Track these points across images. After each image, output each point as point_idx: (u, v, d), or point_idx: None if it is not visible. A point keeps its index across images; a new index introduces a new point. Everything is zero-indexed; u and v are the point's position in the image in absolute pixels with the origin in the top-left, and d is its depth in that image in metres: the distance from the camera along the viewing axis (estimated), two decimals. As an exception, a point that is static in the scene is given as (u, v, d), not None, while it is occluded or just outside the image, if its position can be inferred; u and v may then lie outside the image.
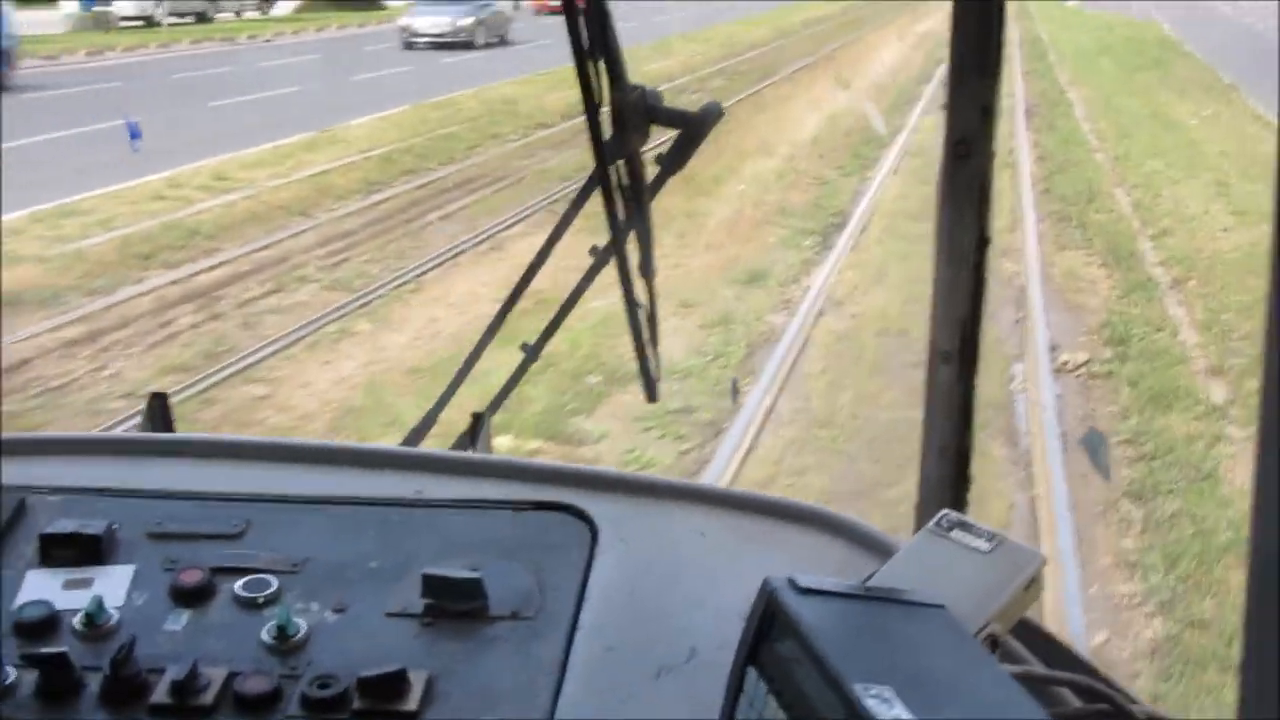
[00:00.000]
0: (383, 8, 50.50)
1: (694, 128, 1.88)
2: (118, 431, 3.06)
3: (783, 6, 51.24)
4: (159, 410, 2.02)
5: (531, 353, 2.15)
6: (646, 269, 2.01)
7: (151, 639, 1.29)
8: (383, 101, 21.92)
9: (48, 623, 1.30)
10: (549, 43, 31.23)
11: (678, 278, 10.41)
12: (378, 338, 9.36)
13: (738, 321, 9.63)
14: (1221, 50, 32.15)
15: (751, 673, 1.08)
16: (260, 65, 29.58)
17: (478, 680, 1.26)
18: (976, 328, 1.64)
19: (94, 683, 1.22)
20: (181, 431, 1.95)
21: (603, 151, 1.82)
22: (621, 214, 1.89)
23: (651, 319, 2.03)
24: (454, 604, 1.34)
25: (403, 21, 35.72)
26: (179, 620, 1.33)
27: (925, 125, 20.34)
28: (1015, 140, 18.37)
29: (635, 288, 2.02)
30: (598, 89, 1.74)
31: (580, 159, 17.17)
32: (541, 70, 25.33)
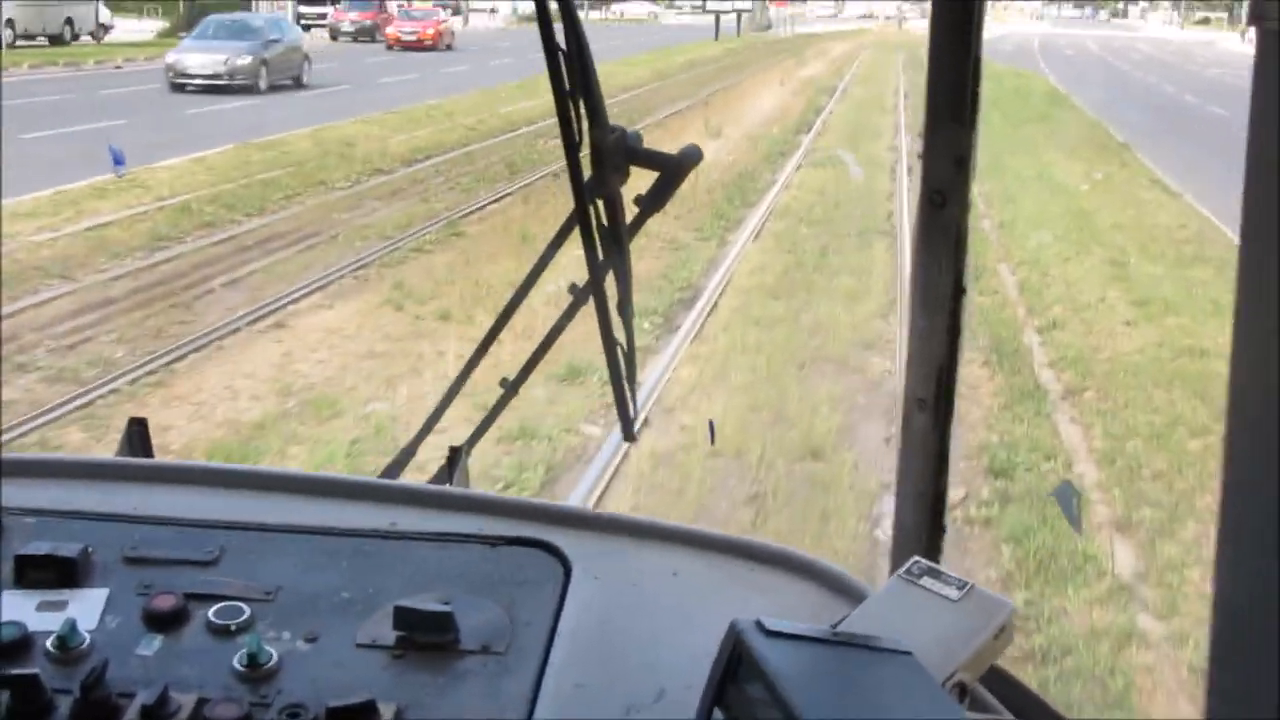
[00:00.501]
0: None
1: (673, 170, 1.85)
2: (96, 455, 2.92)
3: (667, 47, 49.86)
4: (137, 436, 1.90)
5: (510, 388, 2.03)
6: (625, 308, 1.90)
7: (124, 663, 1.31)
8: (215, 138, 19.86)
9: (20, 644, 1.32)
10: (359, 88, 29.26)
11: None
12: (89, 452, 7.37)
13: (541, 436, 7.81)
14: (1111, 105, 31.19)
15: (718, 714, 1.13)
16: (100, 94, 27.28)
17: (447, 713, 1.28)
18: (953, 375, 1.62)
19: (65, 705, 1.23)
20: (160, 458, 1.92)
21: (582, 191, 1.76)
22: (600, 253, 1.82)
23: (629, 357, 1.92)
24: (425, 637, 1.35)
25: (169, 58, 29.85)
26: (151, 645, 1.35)
27: (798, 181, 18.75)
28: (893, 202, 16.82)
29: (613, 326, 1.92)
30: (577, 129, 1.70)
31: (416, 211, 15.48)
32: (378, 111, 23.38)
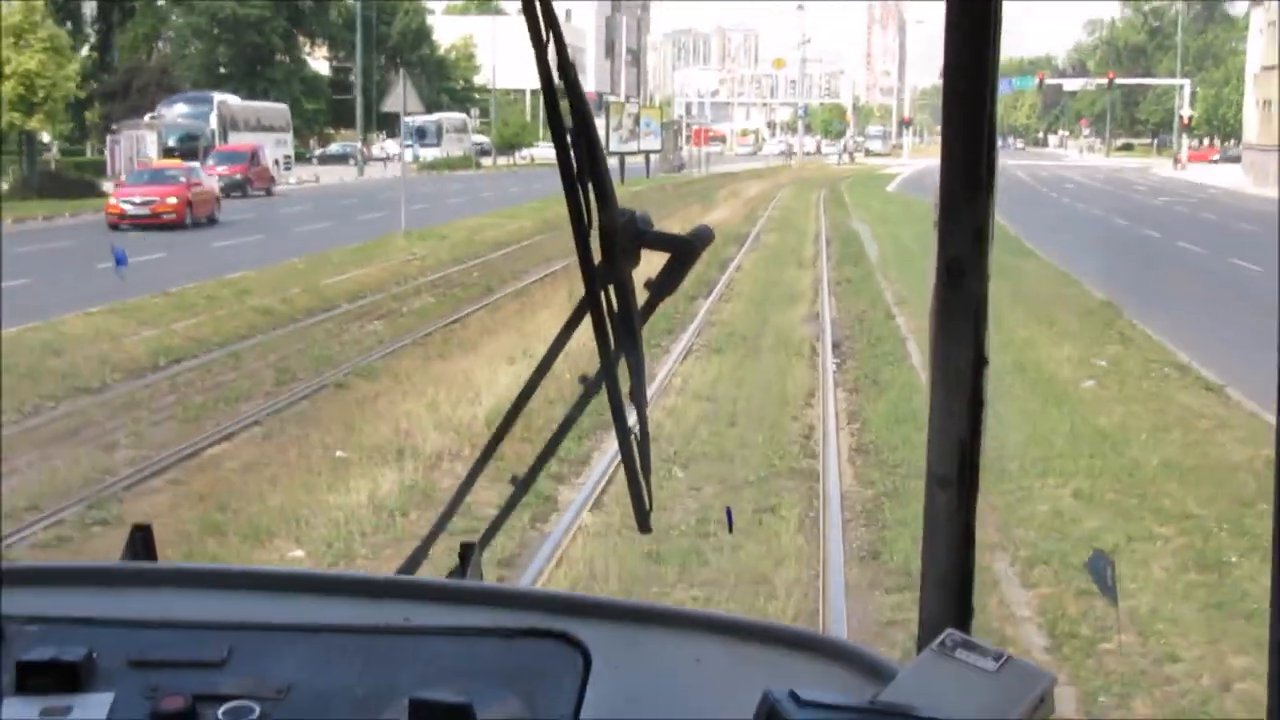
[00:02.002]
0: (103, 194, 42.41)
1: (685, 251, 1.73)
2: (100, 562, 1.87)
3: (556, 196, 44.63)
4: (141, 541, 1.74)
5: (521, 485, 1.90)
6: (638, 396, 1.75)
7: None
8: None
9: None
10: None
11: None
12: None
13: None
14: (1072, 249, 26.05)
15: None
16: None
17: None
18: (976, 451, 1.50)
19: None
20: (165, 561, 1.81)
21: (593, 277, 1.67)
22: (611, 341, 1.73)
23: (643, 447, 1.77)
24: None
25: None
26: None
27: (679, 384, 13.01)
28: (816, 424, 11.18)
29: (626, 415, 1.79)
30: (586, 213, 1.64)
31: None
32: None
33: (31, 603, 1.51)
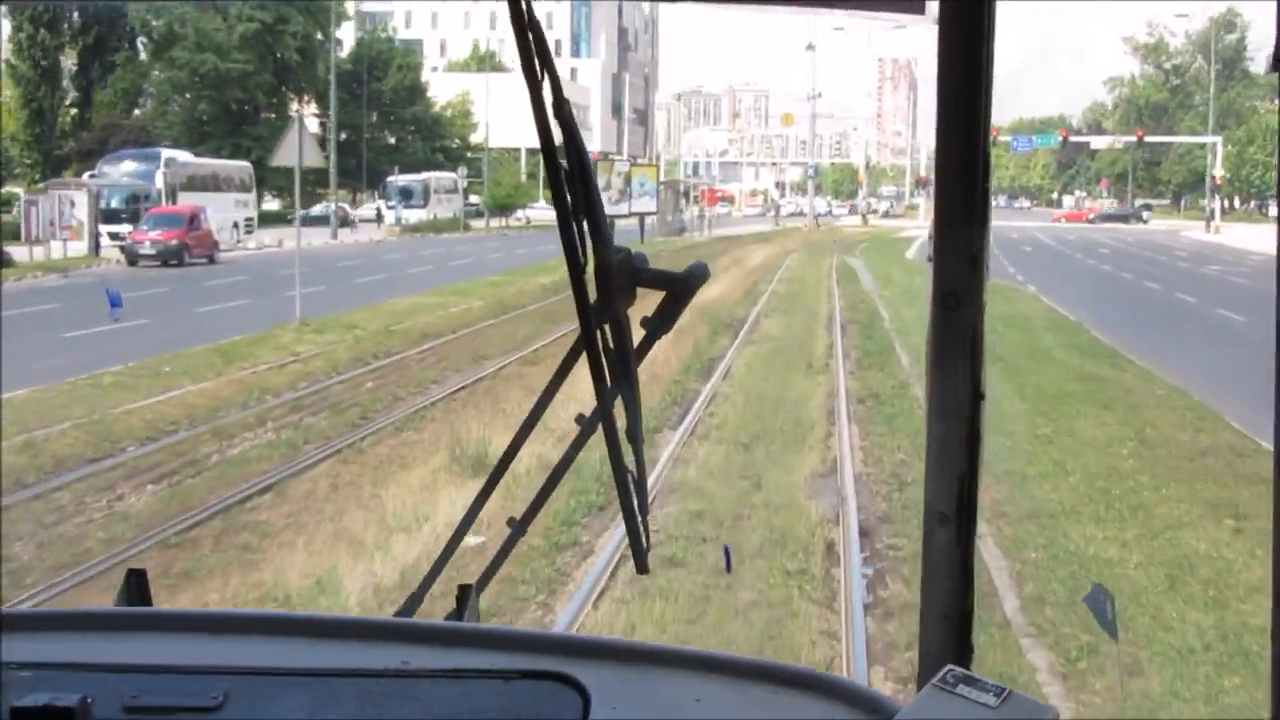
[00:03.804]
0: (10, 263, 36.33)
1: (680, 288, 1.70)
2: (94, 607, 2.19)
3: (539, 263, 38.70)
4: (136, 586, 1.75)
5: (519, 527, 1.86)
6: (634, 435, 1.73)
7: None
8: None
9: None
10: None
11: None
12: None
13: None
14: (1138, 339, 19.71)
15: None
16: None
17: None
18: (974, 486, 1.52)
19: None
20: (159, 606, 1.78)
21: (588, 315, 1.62)
22: (607, 379, 1.68)
23: (640, 486, 1.74)
24: None
25: None
26: None
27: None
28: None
29: (623, 455, 1.73)
30: (582, 251, 1.57)
31: None
32: None
33: (26, 648, 1.49)
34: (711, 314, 23.54)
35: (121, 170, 47.46)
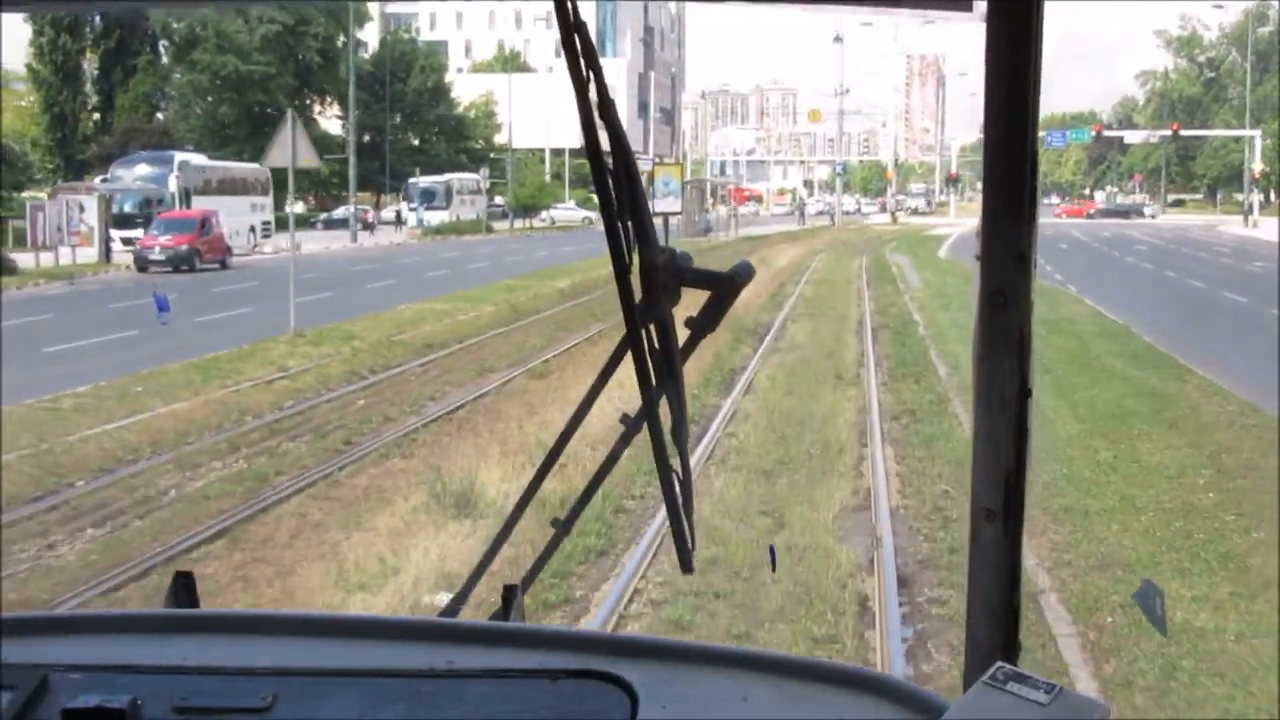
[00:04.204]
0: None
1: (725, 288, 1.69)
2: (143, 609, 2.33)
3: (558, 265, 37.37)
4: (183, 588, 1.75)
5: (563, 527, 1.86)
6: (679, 435, 1.73)
7: None
8: None
9: None
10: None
11: None
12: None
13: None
14: (1196, 340, 18.16)
15: None
16: None
17: None
18: (1021, 483, 1.49)
19: None
20: (207, 608, 1.78)
21: (634, 315, 1.60)
22: (652, 379, 1.66)
23: (685, 486, 1.72)
24: None
25: None
26: None
27: None
28: None
29: (668, 454, 1.71)
30: (627, 251, 1.55)
31: None
32: None
33: (76, 651, 1.49)
34: (734, 320, 21.96)
35: (135, 174, 46.34)
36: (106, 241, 41.07)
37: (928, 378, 16.67)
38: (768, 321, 23.24)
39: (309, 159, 20.07)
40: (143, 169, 46.89)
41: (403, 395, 15.44)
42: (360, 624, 1.63)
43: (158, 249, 38.73)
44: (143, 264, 38.94)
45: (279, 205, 78.69)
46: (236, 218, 48.20)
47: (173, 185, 45.24)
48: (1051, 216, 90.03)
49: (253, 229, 50.18)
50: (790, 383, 16.34)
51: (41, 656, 1.43)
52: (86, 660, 1.44)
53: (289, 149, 18.89)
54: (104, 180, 46.35)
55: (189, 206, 44.54)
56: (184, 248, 38.34)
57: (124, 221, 43.09)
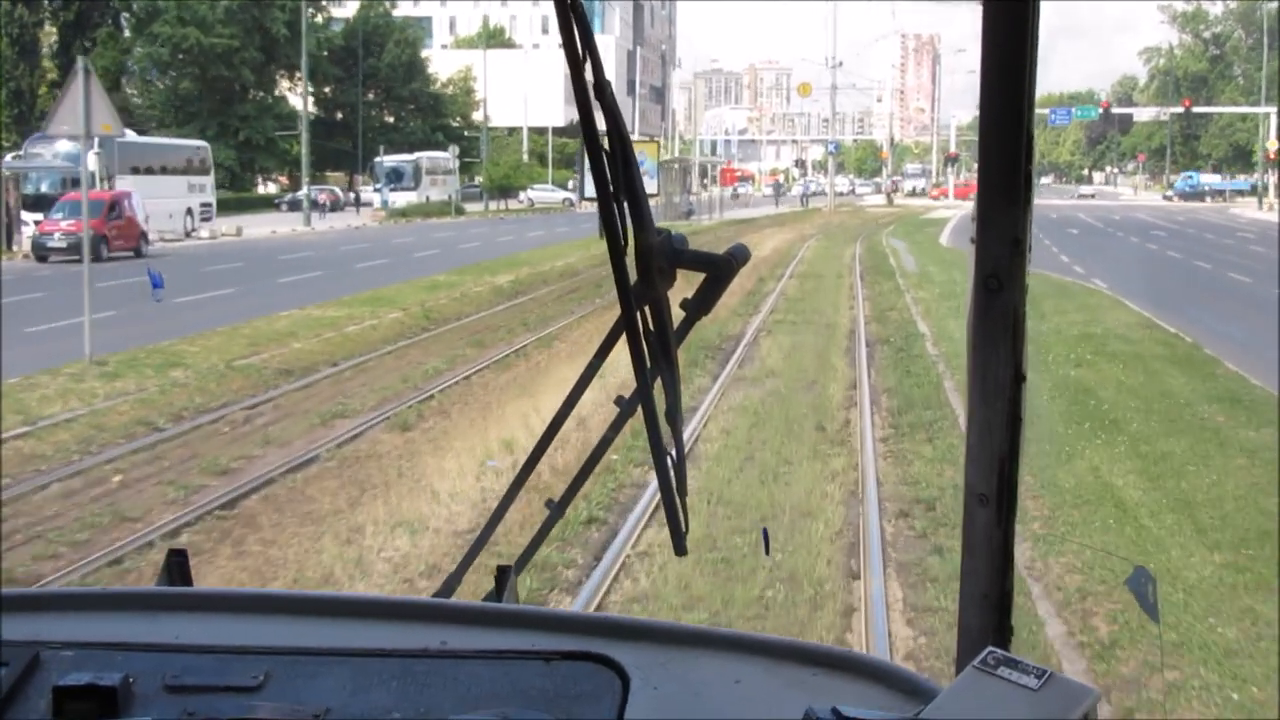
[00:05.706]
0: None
1: (721, 270, 1.65)
2: (136, 587, 2.29)
3: (518, 254, 32.37)
4: (177, 567, 1.70)
5: (557, 509, 1.79)
6: (673, 417, 1.69)
7: None
8: None
9: None
10: None
11: None
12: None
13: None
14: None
15: None
16: None
17: None
18: (1015, 468, 1.44)
19: None
20: (200, 586, 1.71)
21: (629, 297, 1.55)
22: (647, 361, 1.62)
23: (679, 468, 1.70)
24: None
25: None
26: None
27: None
28: None
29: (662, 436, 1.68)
30: (622, 232, 1.51)
31: None
32: None
33: (68, 628, 1.47)
34: (697, 334, 16.95)
35: (54, 151, 41.18)
36: (8, 226, 36.08)
37: (945, 431, 11.56)
38: (737, 334, 18.15)
39: (107, 125, 15.00)
40: (63, 146, 41.71)
41: (194, 462, 10.38)
42: (354, 604, 1.58)
43: (58, 235, 33.74)
44: (41, 252, 33.99)
45: (246, 186, 73.66)
46: (170, 200, 43.21)
47: (92, 164, 40.08)
48: (1258, 211, 64.68)
49: (190, 211, 45.17)
50: (750, 443, 11.23)
51: (33, 634, 1.40)
52: (79, 638, 1.41)
53: (79, 112, 13.86)
54: (16, 157, 41.21)
55: (112, 187, 39.53)
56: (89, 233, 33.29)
57: (39, 203, 38.06)
